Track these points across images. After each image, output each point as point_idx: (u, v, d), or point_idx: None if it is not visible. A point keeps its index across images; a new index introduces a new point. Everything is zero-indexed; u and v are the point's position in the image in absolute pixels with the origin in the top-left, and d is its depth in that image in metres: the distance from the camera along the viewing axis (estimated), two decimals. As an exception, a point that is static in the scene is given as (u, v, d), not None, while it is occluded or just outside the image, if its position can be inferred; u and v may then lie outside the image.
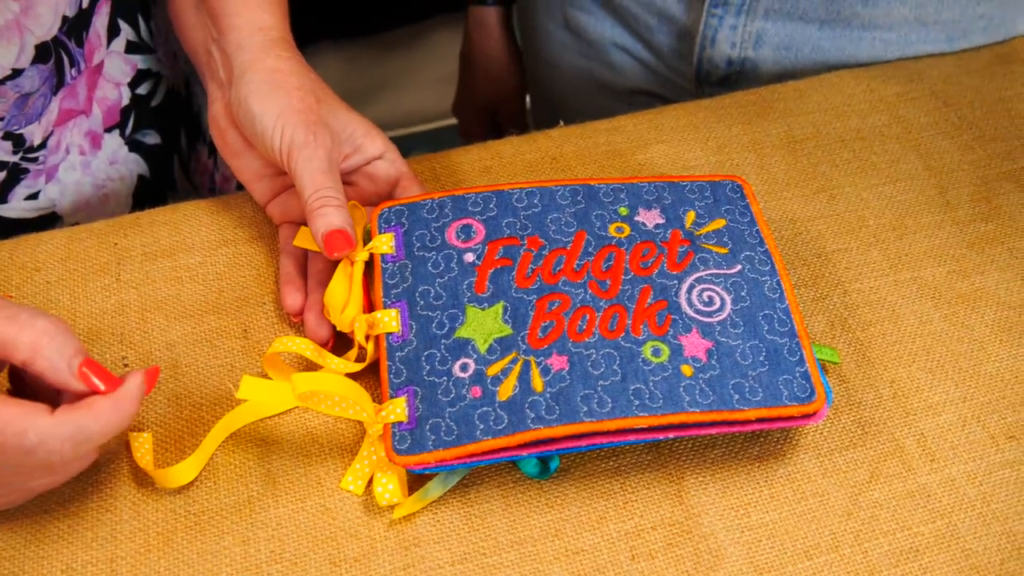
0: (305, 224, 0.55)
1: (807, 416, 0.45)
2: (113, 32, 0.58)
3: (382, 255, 0.50)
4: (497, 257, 0.49)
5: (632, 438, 0.44)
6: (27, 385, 0.45)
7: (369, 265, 0.52)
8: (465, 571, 0.44)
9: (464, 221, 0.51)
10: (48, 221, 0.62)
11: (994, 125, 0.63)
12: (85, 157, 0.60)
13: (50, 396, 0.43)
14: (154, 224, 0.57)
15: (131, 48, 0.60)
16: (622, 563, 0.44)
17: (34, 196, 0.60)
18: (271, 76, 0.51)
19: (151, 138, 0.63)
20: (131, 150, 0.62)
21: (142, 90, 0.62)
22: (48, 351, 0.40)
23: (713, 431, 0.44)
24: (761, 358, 0.45)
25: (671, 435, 0.44)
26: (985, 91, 0.64)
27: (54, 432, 0.39)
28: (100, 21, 0.58)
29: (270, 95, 0.50)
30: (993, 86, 0.65)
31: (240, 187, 0.80)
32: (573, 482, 0.46)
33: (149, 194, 0.65)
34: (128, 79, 0.60)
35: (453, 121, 1.51)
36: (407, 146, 0.63)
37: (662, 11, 0.71)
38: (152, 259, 0.55)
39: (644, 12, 0.72)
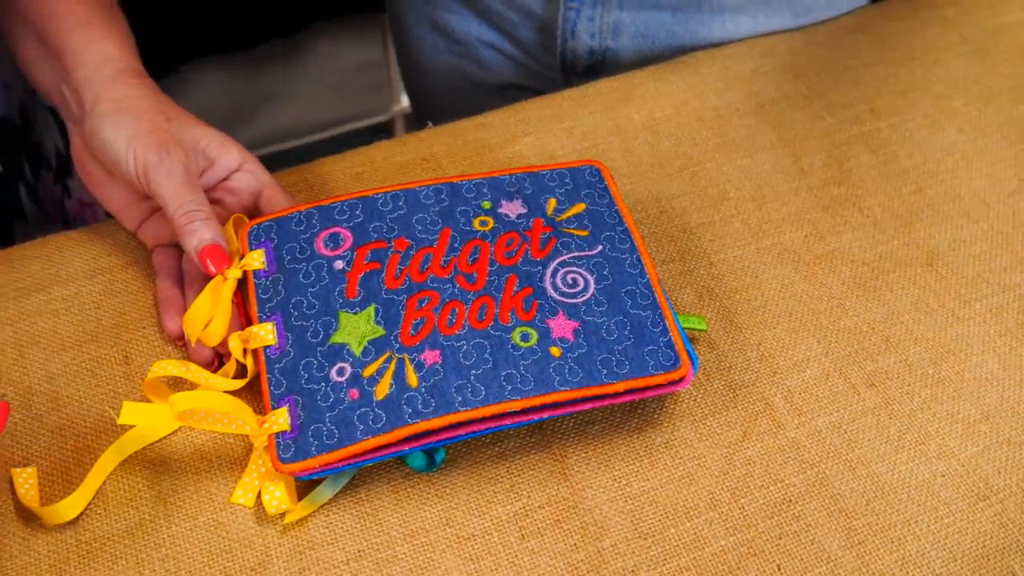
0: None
1: (674, 383, 0.47)
2: None
3: (255, 271, 0.51)
4: (366, 261, 0.50)
5: (509, 422, 0.45)
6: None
7: (243, 282, 0.52)
8: (360, 568, 0.45)
9: (332, 230, 0.51)
10: None
11: (842, 92, 0.66)
12: None
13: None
14: (25, 259, 0.56)
15: None
16: (512, 544, 0.46)
17: None
18: (119, 104, 0.52)
19: None
20: None
21: None
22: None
23: (587, 406, 0.46)
24: (626, 332, 0.47)
25: (546, 415, 0.46)
26: (832, 61, 0.68)
27: None
28: None
29: (119, 122, 0.51)
30: (839, 55, 0.68)
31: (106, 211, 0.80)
32: (461, 471, 0.48)
33: None
34: None
35: (344, 129, 1.52)
36: (300, 158, 0.63)
37: (522, 7, 0.73)
38: (26, 294, 0.55)
39: (506, 8, 0.74)
